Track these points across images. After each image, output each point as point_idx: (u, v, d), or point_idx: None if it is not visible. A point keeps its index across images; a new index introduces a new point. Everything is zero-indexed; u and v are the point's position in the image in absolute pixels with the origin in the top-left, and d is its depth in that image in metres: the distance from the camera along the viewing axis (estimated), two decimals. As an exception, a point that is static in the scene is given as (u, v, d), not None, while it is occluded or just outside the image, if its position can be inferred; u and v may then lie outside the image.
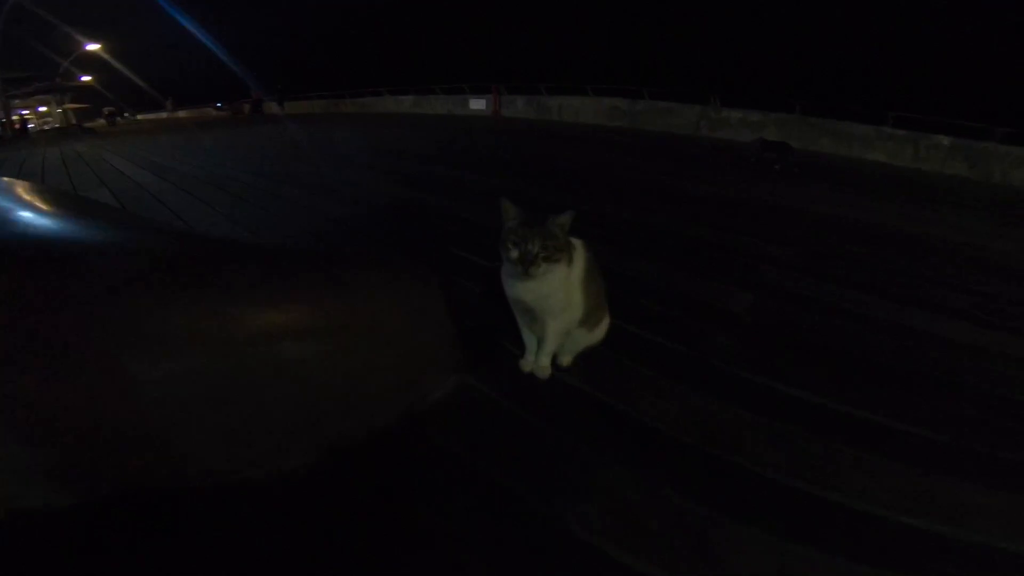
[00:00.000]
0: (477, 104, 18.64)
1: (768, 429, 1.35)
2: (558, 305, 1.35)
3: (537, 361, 1.48)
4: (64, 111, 24.60)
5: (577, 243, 1.39)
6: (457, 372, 1.48)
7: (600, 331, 1.52)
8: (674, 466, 1.19)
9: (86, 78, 30.09)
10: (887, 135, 11.70)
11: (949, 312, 2.25)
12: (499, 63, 17.36)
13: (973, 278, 2.81)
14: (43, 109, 29.64)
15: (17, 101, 27.61)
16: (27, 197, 1.54)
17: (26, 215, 1.32)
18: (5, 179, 1.90)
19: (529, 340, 1.51)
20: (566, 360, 1.54)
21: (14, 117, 19.94)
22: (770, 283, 2.41)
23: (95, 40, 28.91)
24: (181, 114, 26.82)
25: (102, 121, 22.26)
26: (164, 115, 26.81)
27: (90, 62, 30.55)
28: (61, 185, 4.72)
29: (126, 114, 26.65)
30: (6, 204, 1.39)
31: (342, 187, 4.43)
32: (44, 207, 1.47)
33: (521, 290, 1.33)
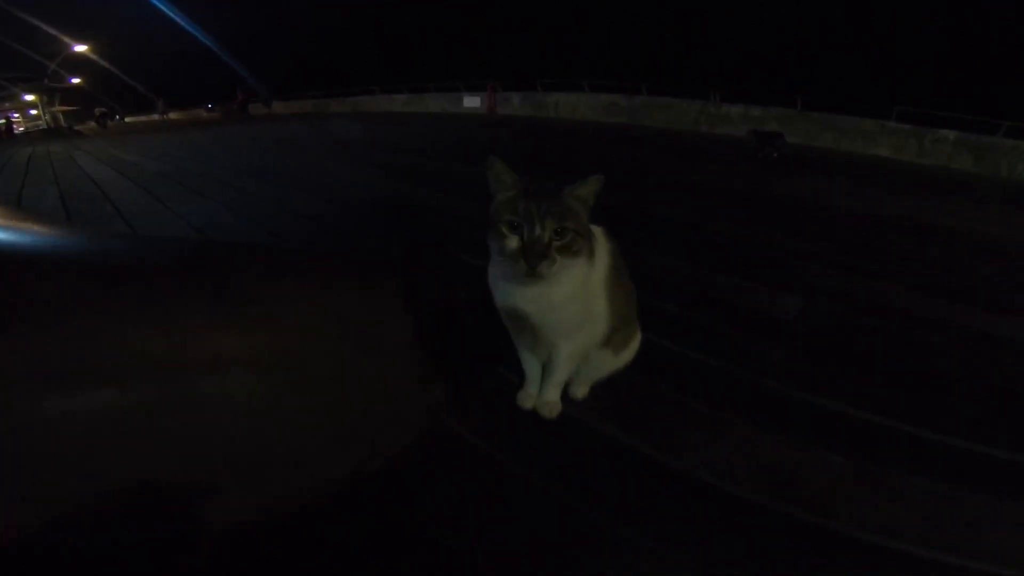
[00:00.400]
0: (471, 102, 18.26)
1: (864, 474, 1.00)
2: (573, 320, 0.96)
3: (542, 395, 1.08)
4: (53, 113, 24.08)
5: (596, 231, 1.01)
6: (428, 413, 1.10)
7: (629, 352, 1.15)
8: (743, 539, 0.84)
9: (76, 80, 29.70)
10: (891, 130, 11.42)
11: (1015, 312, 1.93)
12: (495, 59, 17.00)
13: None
14: (34, 112, 29.12)
15: (7, 104, 27.08)
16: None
17: None
18: None
19: (531, 366, 1.10)
20: (581, 391, 1.16)
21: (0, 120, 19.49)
22: (815, 283, 2.09)
23: (83, 41, 28.43)
24: (172, 116, 26.30)
25: (92, 123, 21.78)
26: (156, 117, 26.18)
27: (81, 64, 30.10)
28: (11, 184, 4.36)
29: (116, 116, 26.02)
30: None
31: (320, 182, 4.09)
32: None
33: (520, 298, 0.94)
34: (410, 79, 19.20)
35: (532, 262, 0.83)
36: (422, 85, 19.09)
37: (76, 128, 19.30)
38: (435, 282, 1.71)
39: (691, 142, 10.47)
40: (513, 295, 0.94)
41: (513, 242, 0.86)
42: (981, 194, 6.48)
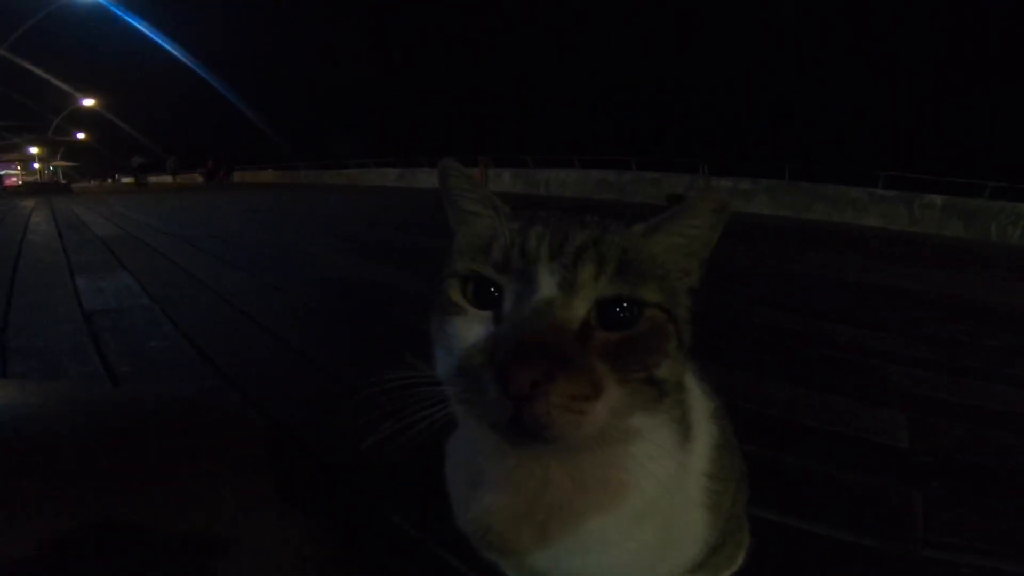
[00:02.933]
0: (462, 177, 18.52)
1: None
2: (639, 560, 0.45)
3: None
4: (54, 168, 23.66)
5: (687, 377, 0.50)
6: None
7: (727, 573, 0.64)
8: None
9: (81, 135, 29.64)
10: (879, 197, 11.52)
11: None
12: (486, 135, 17.48)
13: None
14: (36, 166, 29.14)
15: (12, 154, 26.85)
16: None
17: None
18: None
19: None
20: None
21: None
22: (909, 389, 1.63)
23: (91, 95, 28.82)
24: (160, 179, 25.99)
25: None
26: (168, 178, 24.87)
27: (87, 118, 30.16)
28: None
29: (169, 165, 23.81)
30: None
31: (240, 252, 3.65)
32: None
33: (510, 504, 0.42)
34: (403, 153, 19.65)
35: (520, 376, 0.31)
36: (414, 159, 19.49)
37: (70, 184, 19.10)
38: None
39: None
40: (492, 509, 0.43)
41: (474, 329, 0.37)
42: (1002, 263, 6.27)
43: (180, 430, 0.78)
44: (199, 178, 23.58)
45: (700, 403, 0.52)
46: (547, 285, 0.35)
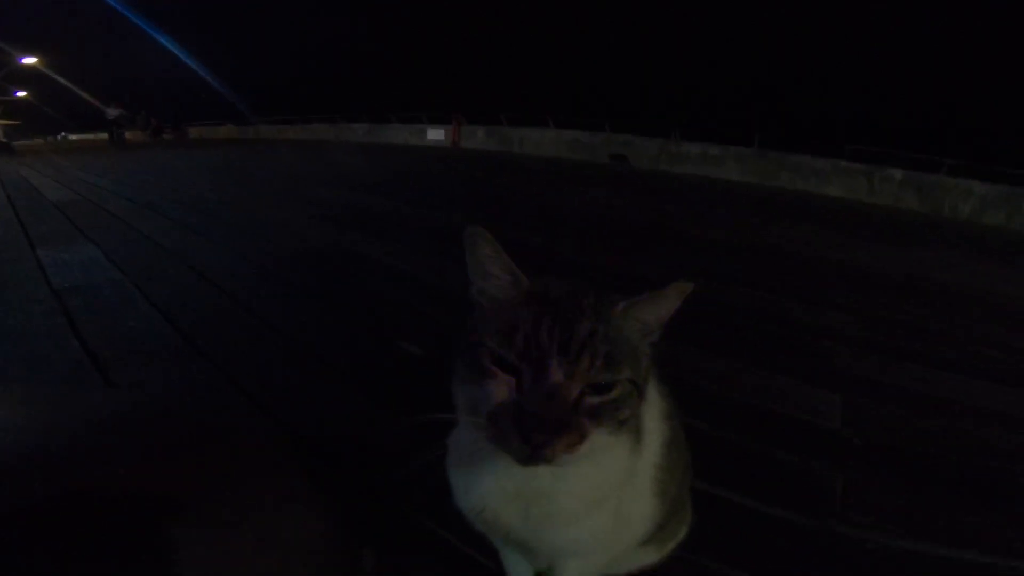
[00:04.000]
0: (435, 135, 18.11)
1: None
2: (598, 534, 0.59)
3: None
4: None
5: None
6: None
7: (672, 545, 0.80)
8: None
9: (21, 93, 28.06)
10: (843, 169, 11.86)
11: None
12: (460, 92, 16.96)
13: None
14: None
15: None
16: None
17: None
18: None
19: (518, 571, 0.74)
20: None
21: None
22: (848, 371, 1.81)
23: (33, 54, 26.76)
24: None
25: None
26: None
27: (31, 77, 28.22)
28: None
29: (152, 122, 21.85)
30: None
31: (251, 227, 3.61)
32: None
33: (503, 493, 0.56)
34: (372, 109, 18.92)
35: (538, 439, 0.44)
36: (384, 116, 18.82)
37: (12, 144, 17.70)
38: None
39: (654, 180, 10.53)
40: (489, 496, 0.56)
41: (502, 391, 0.47)
42: (949, 240, 6.64)
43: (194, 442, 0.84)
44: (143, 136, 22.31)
45: (655, 408, 0.64)
46: (556, 374, 0.46)
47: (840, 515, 1.06)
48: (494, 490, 0.56)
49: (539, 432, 0.43)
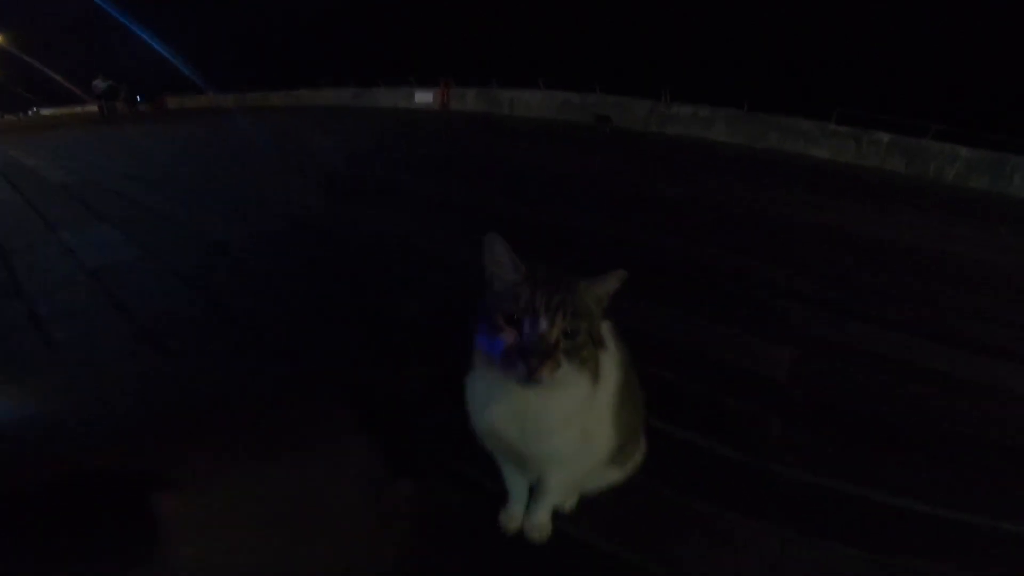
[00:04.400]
0: (423, 97, 17.85)
1: (871, 568, 0.97)
2: (569, 448, 0.83)
3: (531, 517, 0.96)
4: None
5: (606, 333, 0.86)
6: (391, 546, 0.93)
7: (630, 467, 1.03)
8: None
9: None
10: (831, 132, 11.95)
11: (989, 351, 1.99)
12: (448, 55, 16.62)
13: (999, 306, 2.58)
14: None
15: None
16: None
17: None
18: None
19: (516, 485, 0.97)
20: (569, 503, 1.03)
21: None
22: (801, 329, 2.06)
23: None
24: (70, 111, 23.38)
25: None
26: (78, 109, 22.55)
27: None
28: None
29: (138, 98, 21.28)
30: None
31: (241, 197, 3.76)
32: None
33: (506, 415, 0.81)
34: (359, 73, 18.52)
35: (533, 364, 0.68)
36: (371, 79, 18.46)
37: None
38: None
39: (643, 141, 10.57)
40: (498, 411, 0.80)
41: (510, 337, 0.71)
42: (929, 204, 6.85)
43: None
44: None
45: (613, 359, 0.88)
46: (543, 324, 0.70)
47: (775, 456, 1.31)
48: (499, 412, 0.82)
49: (534, 358, 0.69)
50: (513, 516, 0.96)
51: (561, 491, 0.93)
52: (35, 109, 24.92)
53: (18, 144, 7.73)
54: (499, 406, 0.80)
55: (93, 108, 15.71)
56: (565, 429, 0.80)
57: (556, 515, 1.00)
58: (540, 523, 0.95)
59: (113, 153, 6.35)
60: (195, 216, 3.14)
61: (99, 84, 14.44)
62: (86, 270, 2.21)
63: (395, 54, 17.66)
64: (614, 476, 1.00)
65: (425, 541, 0.95)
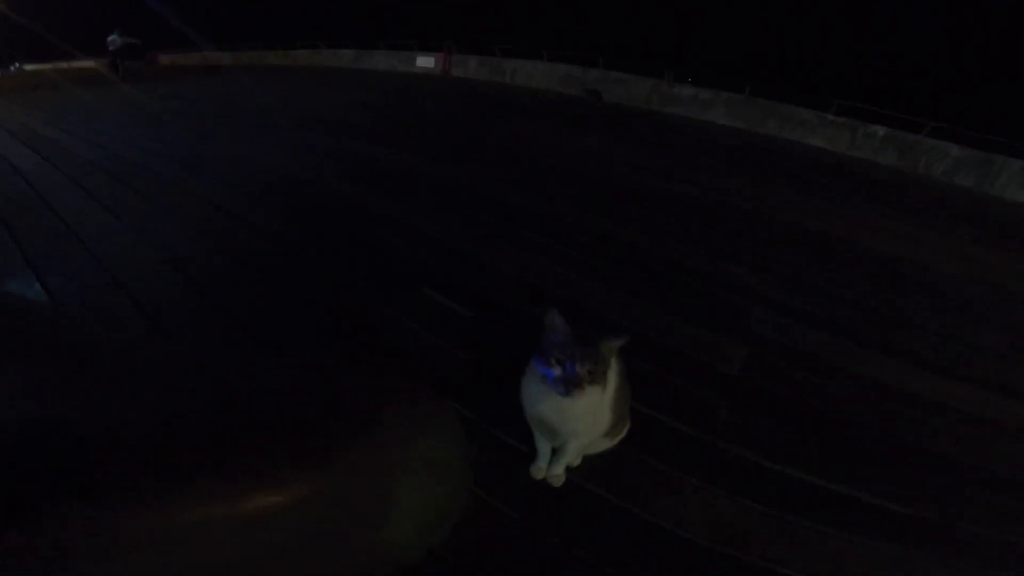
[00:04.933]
0: (425, 62, 17.59)
1: (777, 522, 1.32)
2: (586, 426, 1.27)
3: (552, 470, 1.41)
4: None
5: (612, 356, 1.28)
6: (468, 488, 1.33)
7: (619, 438, 1.43)
8: (686, 571, 1.18)
9: None
10: (828, 121, 12.06)
11: (920, 363, 2.23)
12: (450, 21, 16.32)
13: (942, 318, 2.82)
14: None
15: None
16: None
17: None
18: None
19: (544, 448, 1.42)
20: (576, 461, 1.46)
21: None
22: (758, 329, 2.28)
23: None
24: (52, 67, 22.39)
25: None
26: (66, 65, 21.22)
27: None
28: None
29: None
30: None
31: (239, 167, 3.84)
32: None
33: (548, 409, 1.24)
34: (359, 35, 18.13)
35: (570, 388, 1.10)
36: (371, 42, 18.12)
37: None
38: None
39: (645, 123, 10.61)
40: (543, 405, 1.22)
41: (558, 371, 1.12)
42: (912, 201, 7.06)
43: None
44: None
45: (613, 371, 1.21)
46: (577, 367, 1.07)
47: (721, 435, 1.57)
48: (545, 405, 1.20)
49: (571, 385, 1.08)
50: (540, 469, 1.39)
51: (574, 454, 1.35)
52: (17, 64, 23.95)
53: (24, 108, 7.55)
54: (546, 402, 1.20)
55: (82, 64, 14.95)
56: (583, 417, 1.21)
57: (567, 469, 1.38)
58: (558, 474, 1.38)
59: (131, 122, 6.26)
60: (245, 206, 3.15)
61: (116, 39, 13.40)
62: (166, 260, 2.32)
63: (396, 16, 17.26)
64: (607, 444, 1.40)
65: (483, 486, 1.33)
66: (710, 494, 1.36)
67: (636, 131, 9.29)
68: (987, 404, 2.00)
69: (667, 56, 13.51)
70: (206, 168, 3.99)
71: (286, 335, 1.82)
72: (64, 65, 21.55)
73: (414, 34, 17.59)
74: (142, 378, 1.07)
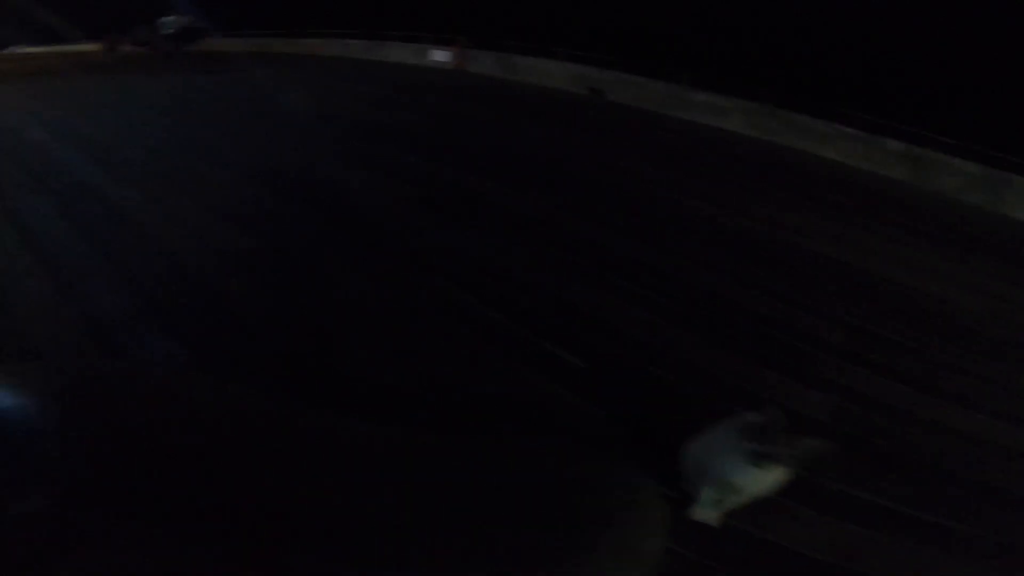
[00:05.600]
0: (439, 56, 17.45)
1: (881, 543, 1.70)
2: (770, 490, 1.54)
3: (713, 511, 1.65)
4: None
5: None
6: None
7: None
8: None
9: None
10: (843, 134, 12.16)
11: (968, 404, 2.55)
12: (463, 16, 16.19)
13: (979, 361, 3.11)
14: None
15: None
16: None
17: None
18: None
19: (709, 496, 1.63)
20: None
21: None
22: (826, 375, 2.59)
23: None
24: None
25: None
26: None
27: None
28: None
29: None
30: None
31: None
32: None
33: (746, 479, 1.48)
34: (369, 25, 17.91)
35: (774, 469, 1.44)
36: (383, 33, 17.90)
37: None
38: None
39: (665, 133, 10.71)
40: (743, 478, 1.48)
41: (771, 453, 1.45)
42: (931, 226, 7.27)
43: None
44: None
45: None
46: (786, 454, 1.48)
47: (823, 473, 1.91)
48: (744, 477, 1.51)
49: (779, 465, 1.46)
50: (705, 511, 1.67)
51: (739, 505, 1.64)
52: (15, 47, 23.26)
53: (45, 99, 7.45)
54: (745, 475, 1.48)
55: (84, 48, 14.29)
56: (773, 485, 1.53)
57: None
58: (717, 515, 1.67)
59: (161, 113, 6.25)
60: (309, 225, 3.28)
61: (169, 20, 12.35)
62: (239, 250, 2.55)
63: (407, 7, 17.06)
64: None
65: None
66: (821, 520, 1.72)
67: (656, 141, 9.40)
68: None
69: (684, 60, 13.47)
70: (272, 183, 4.01)
71: (423, 406, 1.94)
72: (66, 48, 21.01)
73: (426, 27, 17.38)
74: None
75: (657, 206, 5.07)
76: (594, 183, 5.44)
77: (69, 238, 2.45)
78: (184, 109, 6.85)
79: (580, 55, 15.02)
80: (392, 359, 2.20)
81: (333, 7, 18.39)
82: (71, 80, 9.69)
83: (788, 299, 3.38)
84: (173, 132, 5.34)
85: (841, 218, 6.34)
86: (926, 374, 2.79)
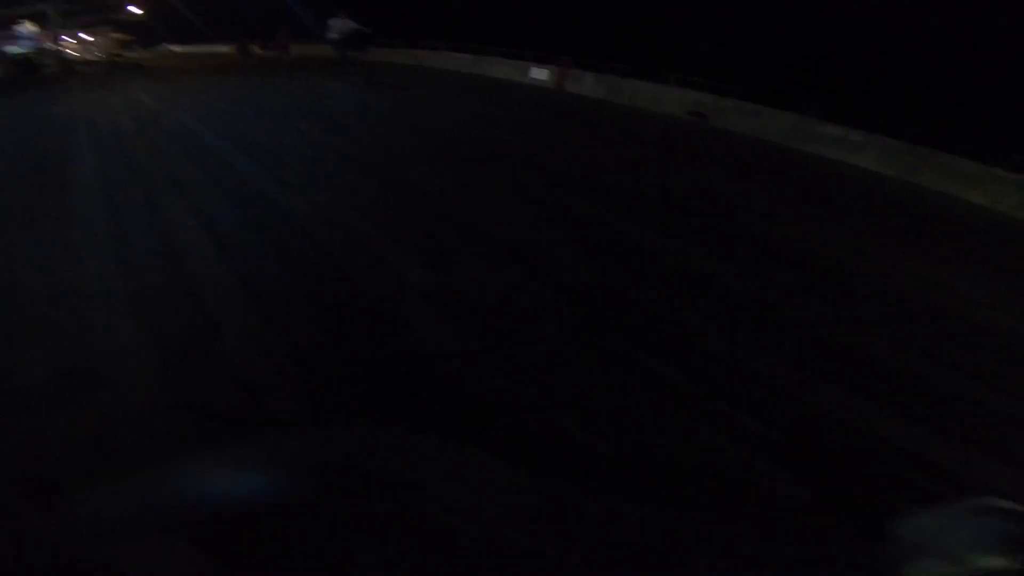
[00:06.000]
0: (539, 74, 17.46)
1: None
2: None
3: None
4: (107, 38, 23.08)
5: None
6: None
7: None
8: None
9: (137, 11, 28.33)
10: (995, 177, 11.06)
11: None
12: (568, 35, 16.13)
13: None
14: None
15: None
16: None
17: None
18: None
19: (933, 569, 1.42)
20: None
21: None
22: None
23: None
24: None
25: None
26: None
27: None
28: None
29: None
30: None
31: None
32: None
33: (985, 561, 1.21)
34: (475, 39, 18.21)
35: None
36: (487, 47, 18.17)
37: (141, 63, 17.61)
38: None
39: (793, 168, 10.10)
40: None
41: None
42: None
43: None
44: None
45: None
46: None
47: None
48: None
49: None
50: None
51: None
52: (164, 45, 25.85)
53: (188, 92, 7.91)
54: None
55: (222, 49, 15.42)
56: None
57: None
58: None
59: (333, 117, 6.44)
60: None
61: (338, 23, 11.50)
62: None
63: (512, 27, 17.17)
64: None
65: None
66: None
67: (787, 180, 8.85)
68: None
69: (811, 90, 12.71)
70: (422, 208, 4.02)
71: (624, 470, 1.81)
72: (214, 48, 23.20)
73: (529, 44, 17.44)
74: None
75: (812, 261, 4.76)
76: (735, 227, 5.15)
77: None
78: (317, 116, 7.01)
79: (693, 80, 14.54)
80: (585, 420, 2.17)
81: (441, 17, 18.80)
82: (250, 80, 10.25)
83: (972, 374, 3.13)
84: (308, 137, 5.48)
85: (1002, 278, 5.63)
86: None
